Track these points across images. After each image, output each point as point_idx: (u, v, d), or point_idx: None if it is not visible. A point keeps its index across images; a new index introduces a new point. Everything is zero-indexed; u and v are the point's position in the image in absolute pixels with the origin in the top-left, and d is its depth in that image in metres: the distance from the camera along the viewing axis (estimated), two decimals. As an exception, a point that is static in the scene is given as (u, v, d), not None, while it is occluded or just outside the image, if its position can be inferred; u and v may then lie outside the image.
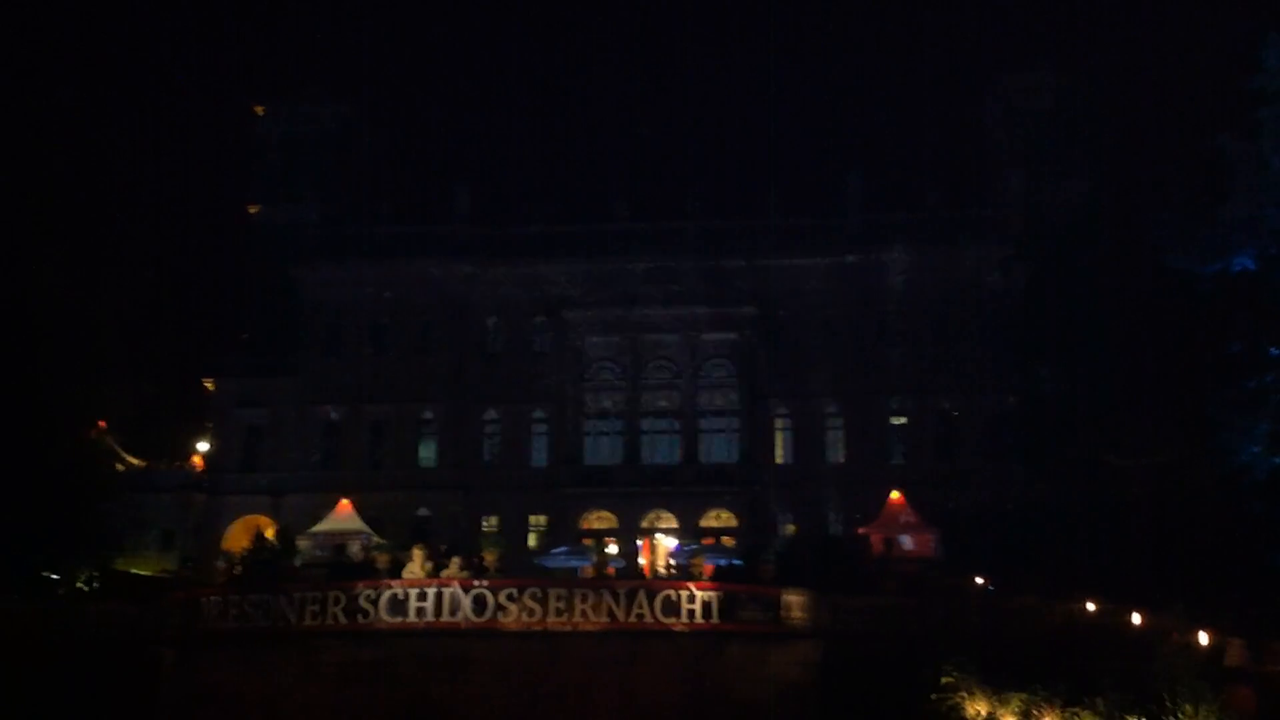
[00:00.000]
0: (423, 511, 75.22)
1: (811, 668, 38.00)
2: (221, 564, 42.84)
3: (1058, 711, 32.97)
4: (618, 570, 50.52)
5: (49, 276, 57.22)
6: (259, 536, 63.09)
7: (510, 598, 36.20)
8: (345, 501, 67.18)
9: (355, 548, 61.65)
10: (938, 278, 75.52)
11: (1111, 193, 53.00)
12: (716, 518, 74.35)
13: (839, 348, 76.22)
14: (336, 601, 36.87)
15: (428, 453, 78.53)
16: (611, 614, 36.17)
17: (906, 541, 59.37)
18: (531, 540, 75.02)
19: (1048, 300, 56.36)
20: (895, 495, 64.51)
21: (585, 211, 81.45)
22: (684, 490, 74.00)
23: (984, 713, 34.34)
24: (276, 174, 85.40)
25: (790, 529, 72.49)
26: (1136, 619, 37.50)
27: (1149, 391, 46.66)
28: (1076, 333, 53.97)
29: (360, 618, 36.63)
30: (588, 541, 67.17)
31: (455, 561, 39.12)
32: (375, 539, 61.20)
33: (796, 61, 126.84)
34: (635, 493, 74.29)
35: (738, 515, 73.52)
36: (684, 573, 44.03)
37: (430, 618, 36.30)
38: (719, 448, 75.63)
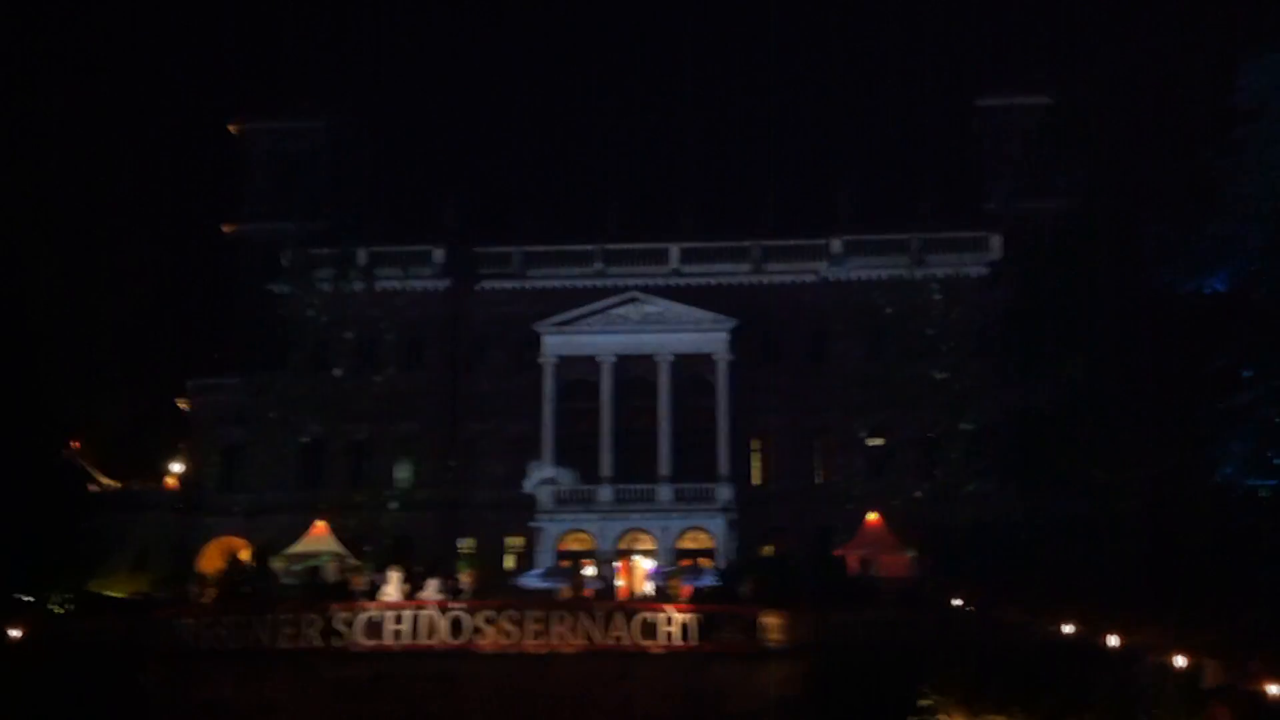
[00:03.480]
0: (400, 532, 74.78)
1: (793, 686, 37.88)
2: (194, 588, 42.40)
3: (1035, 733, 32.89)
4: (595, 592, 50.30)
5: (22, 295, 56.76)
6: (233, 558, 62.64)
7: (488, 620, 36.09)
8: (321, 523, 66.79)
9: (331, 569, 61.26)
10: (921, 295, 75.63)
11: (1099, 208, 53.16)
12: (694, 539, 74.20)
13: (820, 366, 76.32)
14: (311, 624, 36.65)
15: (405, 473, 78.18)
16: (589, 636, 36.04)
17: (883, 563, 59.32)
18: (509, 561, 74.76)
19: (1034, 315, 56.44)
20: (873, 516, 64.49)
21: (568, 229, 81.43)
22: (662, 511, 73.88)
23: (962, 734, 34.24)
24: (256, 191, 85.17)
25: (768, 549, 72.35)
26: (1114, 640, 37.43)
27: (1136, 407, 46.71)
28: (1063, 347, 54.02)
29: (335, 640, 36.40)
30: (565, 563, 66.96)
31: (432, 583, 38.92)
32: (351, 560, 60.84)
33: (782, 78, 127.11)
34: (613, 514, 74.13)
35: (716, 536, 73.39)
36: (662, 594, 43.84)
37: (407, 640, 36.14)
38: (698, 468, 75.43)
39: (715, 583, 56.65)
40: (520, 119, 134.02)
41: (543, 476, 75.20)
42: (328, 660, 36.70)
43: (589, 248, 79.56)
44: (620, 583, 53.28)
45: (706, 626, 37.03)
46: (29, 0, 74.61)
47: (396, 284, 78.97)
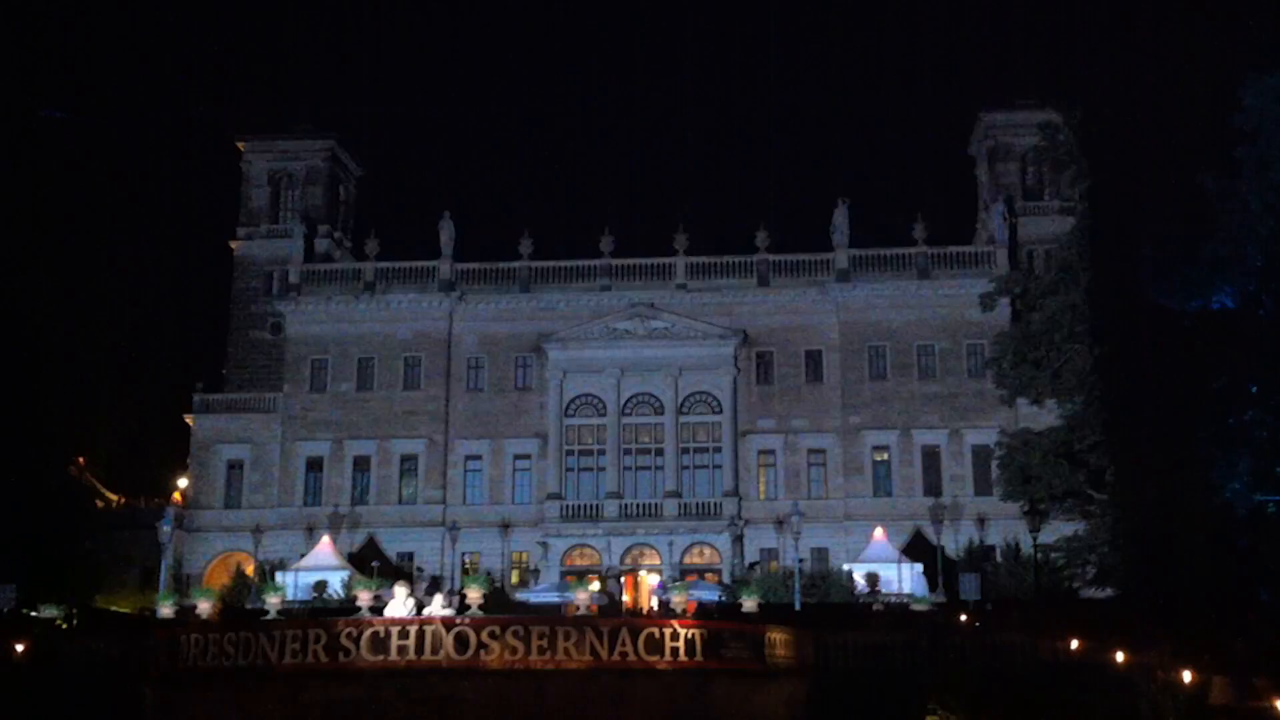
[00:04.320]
0: (405, 548, 74.81)
1: (797, 705, 37.78)
2: (198, 604, 42.35)
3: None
4: (601, 607, 50.27)
5: (27, 313, 56.96)
6: (239, 574, 62.54)
7: (493, 635, 35.86)
8: (326, 539, 66.90)
9: (336, 585, 61.32)
10: (923, 313, 75.72)
11: (1097, 228, 53.41)
12: (700, 554, 74.14)
13: (823, 383, 76.26)
14: (317, 639, 36.51)
15: (410, 489, 78.15)
16: (594, 651, 35.84)
17: (889, 578, 59.33)
18: (514, 577, 74.70)
19: (1033, 334, 56.54)
20: (879, 532, 64.53)
21: (570, 247, 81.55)
22: (667, 527, 73.80)
23: (969, 753, 34.17)
24: (260, 209, 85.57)
25: (774, 566, 72.28)
26: (1120, 658, 37.35)
27: (1138, 426, 46.74)
28: (1063, 366, 54.09)
29: (341, 656, 36.28)
30: (570, 578, 66.87)
31: (437, 599, 38.83)
32: (357, 576, 60.83)
33: (783, 99, 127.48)
34: (618, 529, 74.08)
35: (721, 552, 73.31)
36: (667, 610, 43.70)
37: (412, 656, 35.96)
38: (703, 484, 75.43)
39: (720, 598, 56.70)
40: (522, 136, 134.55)
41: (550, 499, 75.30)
42: (333, 677, 36.59)
43: (593, 263, 79.53)
44: (626, 598, 53.28)
45: (712, 643, 36.88)
46: (36, 13, 75.07)
47: (399, 301, 79.01)
